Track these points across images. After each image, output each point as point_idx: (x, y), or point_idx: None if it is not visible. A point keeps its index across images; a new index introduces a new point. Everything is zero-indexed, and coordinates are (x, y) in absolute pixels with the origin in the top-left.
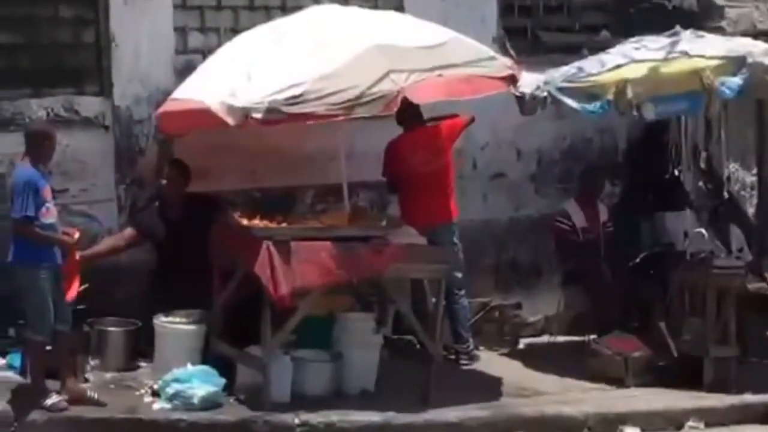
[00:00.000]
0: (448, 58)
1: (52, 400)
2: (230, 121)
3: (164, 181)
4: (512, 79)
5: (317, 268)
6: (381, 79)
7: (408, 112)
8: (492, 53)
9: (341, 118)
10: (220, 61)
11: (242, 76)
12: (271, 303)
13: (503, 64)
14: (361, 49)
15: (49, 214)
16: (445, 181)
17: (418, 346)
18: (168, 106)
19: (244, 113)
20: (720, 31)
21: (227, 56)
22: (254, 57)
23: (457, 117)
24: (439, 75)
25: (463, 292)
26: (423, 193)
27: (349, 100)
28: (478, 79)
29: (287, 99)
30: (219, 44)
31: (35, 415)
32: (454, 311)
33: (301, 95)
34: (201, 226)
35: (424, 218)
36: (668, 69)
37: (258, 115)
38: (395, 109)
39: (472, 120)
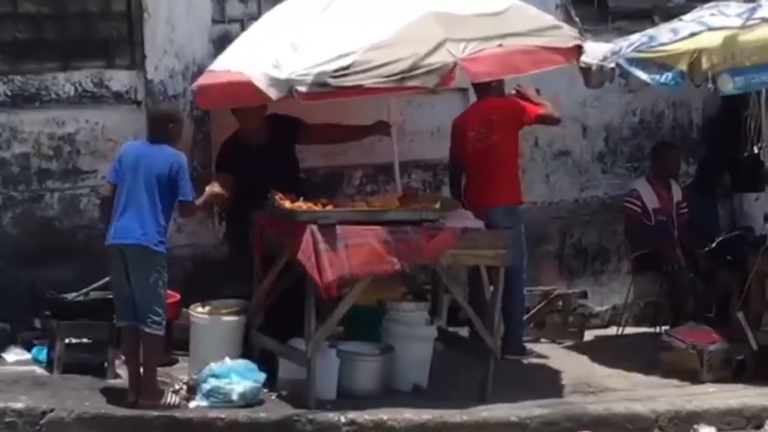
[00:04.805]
0: (508, 27)
1: (169, 397)
2: (273, 94)
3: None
4: (578, 50)
5: (366, 254)
6: (436, 49)
7: (486, 82)
8: (556, 21)
9: (393, 91)
10: (262, 30)
11: (286, 45)
12: (315, 292)
13: (568, 34)
14: (415, 16)
15: None
16: (501, 160)
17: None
18: (205, 79)
19: (288, 86)
20: None
21: (269, 25)
22: (300, 25)
23: (539, 106)
24: (499, 45)
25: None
26: (476, 172)
27: (401, 72)
28: (541, 51)
29: (335, 71)
30: (260, 12)
31: (62, 413)
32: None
33: (349, 67)
34: (285, 148)
35: (475, 200)
36: (747, 37)
37: (303, 88)
38: (452, 83)
39: (555, 121)
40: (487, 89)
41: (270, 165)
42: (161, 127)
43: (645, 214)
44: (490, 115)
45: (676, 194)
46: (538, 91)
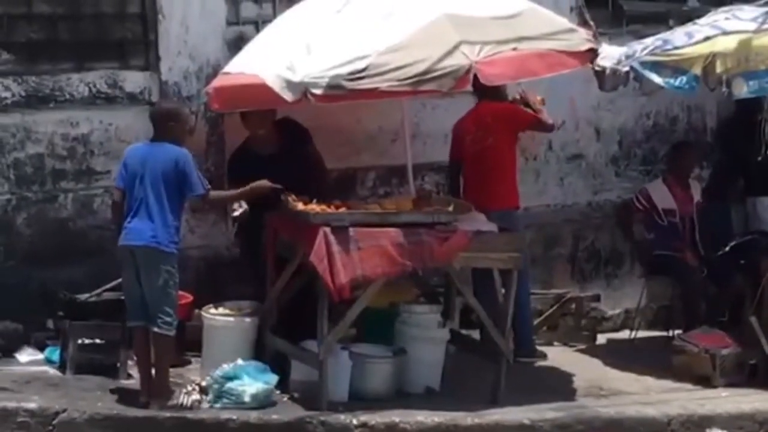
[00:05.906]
0: (523, 30)
1: (181, 398)
2: (287, 97)
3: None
4: (592, 54)
5: (378, 257)
6: (451, 51)
7: (484, 86)
8: (570, 25)
9: (408, 95)
10: (276, 32)
11: (301, 48)
12: (327, 294)
13: (582, 38)
14: (430, 19)
15: None
16: (496, 164)
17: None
18: (219, 82)
19: (303, 89)
20: None
21: (284, 27)
22: (314, 28)
23: (534, 115)
24: (514, 48)
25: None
26: (472, 176)
27: (416, 75)
28: (555, 55)
29: (350, 74)
30: (274, 14)
31: (75, 414)
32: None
33: (364, 70)
34: (295, 155)
35: (471, 203)
36: (762, 41)
37: (318, 91)
38: (467, 86)
39: (548, 128)
40: (485, 93)
41: (279, 173)
42: (162, 126)
43: (656, 213)
44: (485, 118)
45: (696, 193)
46: (543, 101)
